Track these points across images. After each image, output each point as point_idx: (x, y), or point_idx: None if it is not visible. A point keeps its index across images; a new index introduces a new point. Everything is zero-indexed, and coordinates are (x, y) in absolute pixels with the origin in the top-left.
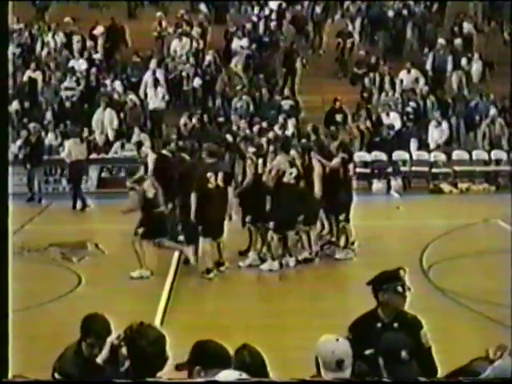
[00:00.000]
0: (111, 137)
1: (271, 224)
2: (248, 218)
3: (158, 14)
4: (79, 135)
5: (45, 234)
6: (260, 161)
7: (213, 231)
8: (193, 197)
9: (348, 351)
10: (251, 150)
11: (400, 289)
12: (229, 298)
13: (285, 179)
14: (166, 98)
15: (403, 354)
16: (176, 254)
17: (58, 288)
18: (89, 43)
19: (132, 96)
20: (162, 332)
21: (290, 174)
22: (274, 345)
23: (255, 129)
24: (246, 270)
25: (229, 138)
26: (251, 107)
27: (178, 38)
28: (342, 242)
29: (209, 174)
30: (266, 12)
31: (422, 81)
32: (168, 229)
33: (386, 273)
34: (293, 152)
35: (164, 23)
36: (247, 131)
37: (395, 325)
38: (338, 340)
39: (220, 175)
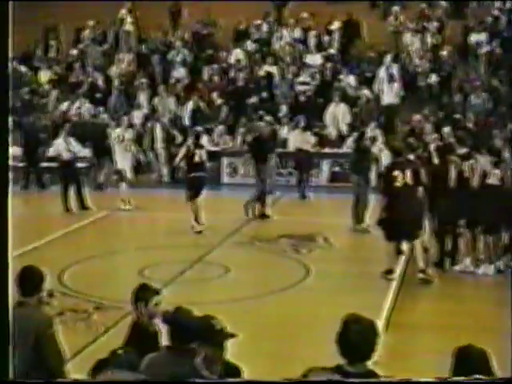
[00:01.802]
0: (344, 131)
1: (482, 226)
2: (462, 222)
3: (395, 8)
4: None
5: (276, 225)
6: (467, 163)
7: (404, 232)
8: (382, 195)
9: None
10: (461, 151)
11: None
12: (450, 298)
13: (489, 180)
14: (401, 93)
15: None
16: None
17: (286, 278)
18: (325, 38)
19: (365, 91)
20: (372, 320)
21: (493, 175)
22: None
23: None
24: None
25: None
26: (488, 104)
27: (414, 33)
28: None
29: (396, 173)
30: (509, 5)
31: None
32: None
33: None
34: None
35: (401, 18)
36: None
37: None
38: None
39: (408, 173)
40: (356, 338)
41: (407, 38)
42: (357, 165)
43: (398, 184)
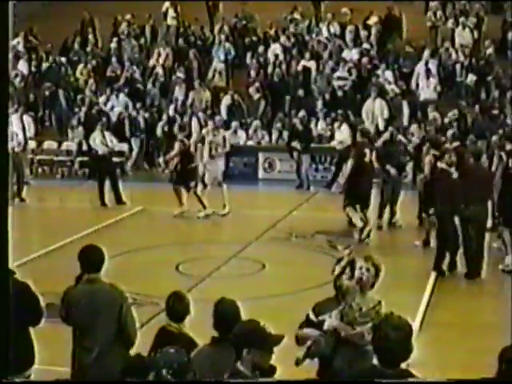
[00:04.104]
0: (381, 126)
1: None
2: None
3: (433, 3)
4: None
5: (312, 221)
6: None
7: (359, 201)
8: (349, 163)
9: None
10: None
11: None
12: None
13: None
14: (438, 88)
15: None
16: None
17: (322, 275)
18: (362, 33)
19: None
20: (408, 321)
21: None
22: None
23: None
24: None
25: None
26: None
27: (452, 28)
28: None
29: (366, 150)
30: None
31: None
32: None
33: None
34: None
35: (439, 13)
36: None
37: None
38: None
39: (374, 153)
40: (392, 345)
41: (445, 32)
42: (389, 159)
43: (366, 159)
